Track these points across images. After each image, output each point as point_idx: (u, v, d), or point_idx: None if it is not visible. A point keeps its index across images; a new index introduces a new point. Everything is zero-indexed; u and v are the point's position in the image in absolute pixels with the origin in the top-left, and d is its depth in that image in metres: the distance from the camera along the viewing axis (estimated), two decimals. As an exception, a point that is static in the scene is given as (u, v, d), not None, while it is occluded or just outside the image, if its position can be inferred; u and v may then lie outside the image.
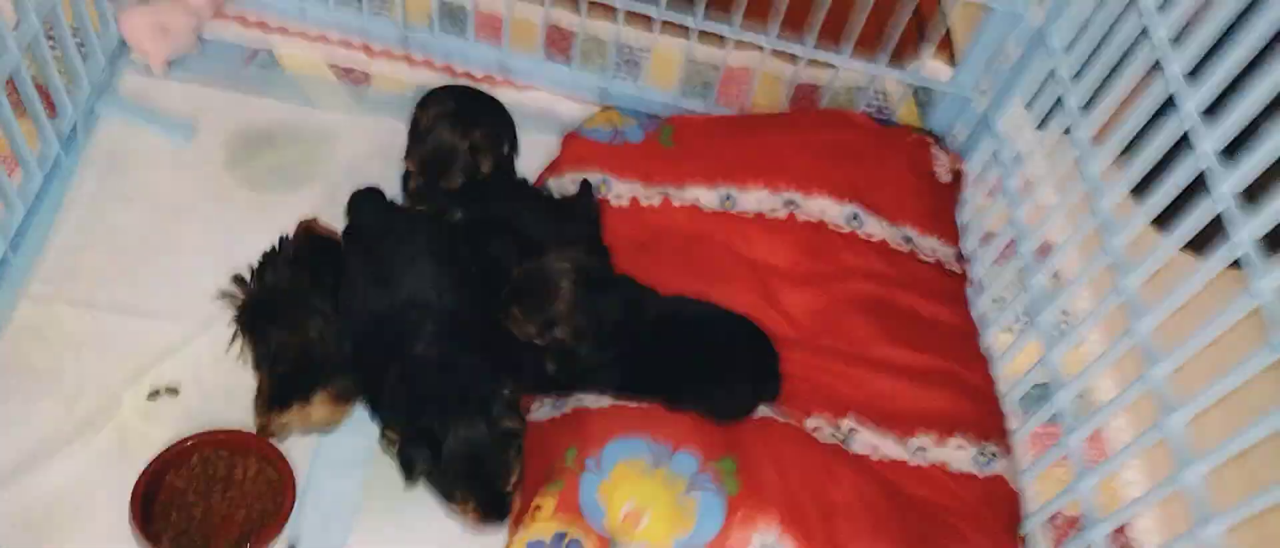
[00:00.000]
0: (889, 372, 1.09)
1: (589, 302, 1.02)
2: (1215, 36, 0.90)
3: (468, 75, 1.42)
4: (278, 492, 0.96)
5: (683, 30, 1.34)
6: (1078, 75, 1.10)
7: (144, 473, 0.94)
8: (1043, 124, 1.21)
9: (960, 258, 1.25)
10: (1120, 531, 1.06)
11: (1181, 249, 0.91)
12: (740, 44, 1.38)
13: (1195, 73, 0.91)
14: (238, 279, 1.02)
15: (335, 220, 1.13)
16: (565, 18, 1.45)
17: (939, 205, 1.28)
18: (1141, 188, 0.98)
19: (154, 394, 1.03)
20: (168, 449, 0.96)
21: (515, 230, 1.10)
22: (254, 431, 0.98)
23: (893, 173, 1.27)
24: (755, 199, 1.22)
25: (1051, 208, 1.13)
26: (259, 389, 0.98)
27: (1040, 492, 1.05)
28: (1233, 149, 0.86)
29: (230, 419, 1.00)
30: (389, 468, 0.95)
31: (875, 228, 1.21)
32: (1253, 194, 0.84)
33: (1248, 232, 0.82)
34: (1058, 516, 1.04)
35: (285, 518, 0.94)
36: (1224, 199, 0.85)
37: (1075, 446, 0.99)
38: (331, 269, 1.04)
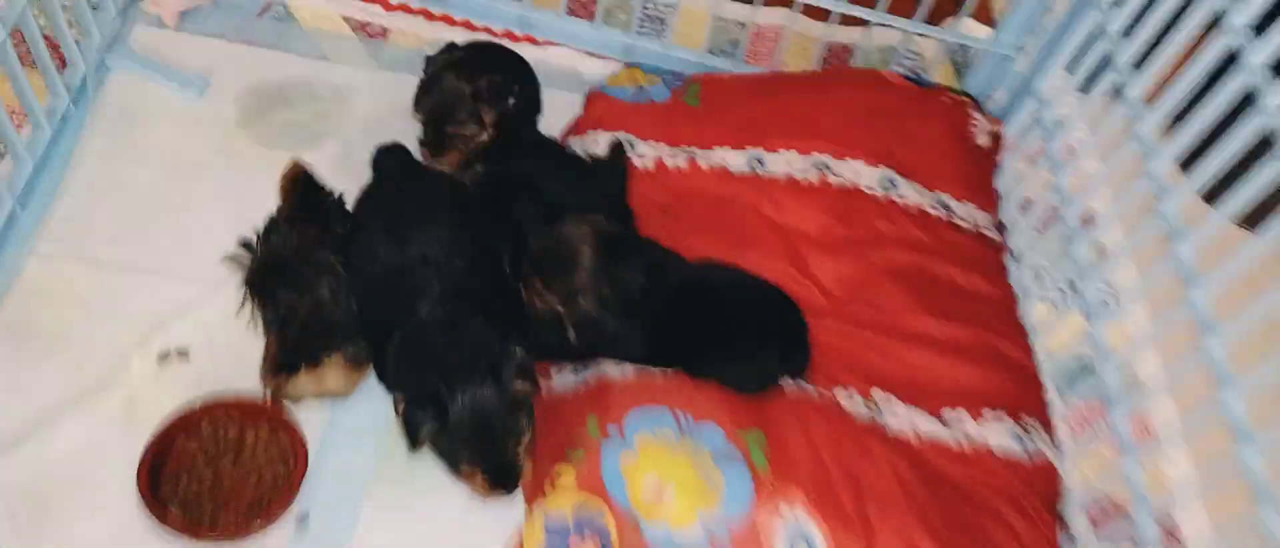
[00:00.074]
0: (924, 344, 1.04)
1: (611, 269, 0.98)
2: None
3: (487, 31, 1.38)
4: (289, 460, 0.93)
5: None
6: (1129, 31, 1.04)
7: (152, 439, 0.91)
8: (1088, 86, 1.15)
9: (999, 226, 1.20)
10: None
11: (1236, 224, 0.86)
12: (770, 0, 1.33)
13: (1261, 28, 0.85)
14: (244, 244, 0.98)
15: (350, 178, 1.09)
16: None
17: (977, 171, 1.22)
18: (1194, 158, 0.92)
19: (164, 357, 1.00)
20: (177, 415, 0.93)
21: (538, 190, 1.05)
22: (268, 397, 0.95)
23: (929, 136, 1.21)
24: (785, 162, 1.17)
25: (1097, 174, 1.08)
26: (267, 353, 0.95)
27: (1082, 473, 1.00)
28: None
29: (242, 384, 0.97)
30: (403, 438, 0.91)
31: (910, 193, 1.16)
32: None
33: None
34: (1101, 498, 1.00)
35: (296, 487, 0.91)
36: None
37: (1122, 425, 0.94)
38: (338, 219, 1.00)
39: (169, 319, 1.03)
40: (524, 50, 1.26)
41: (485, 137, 1.09)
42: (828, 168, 1.16)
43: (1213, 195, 0.89)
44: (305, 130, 1.23)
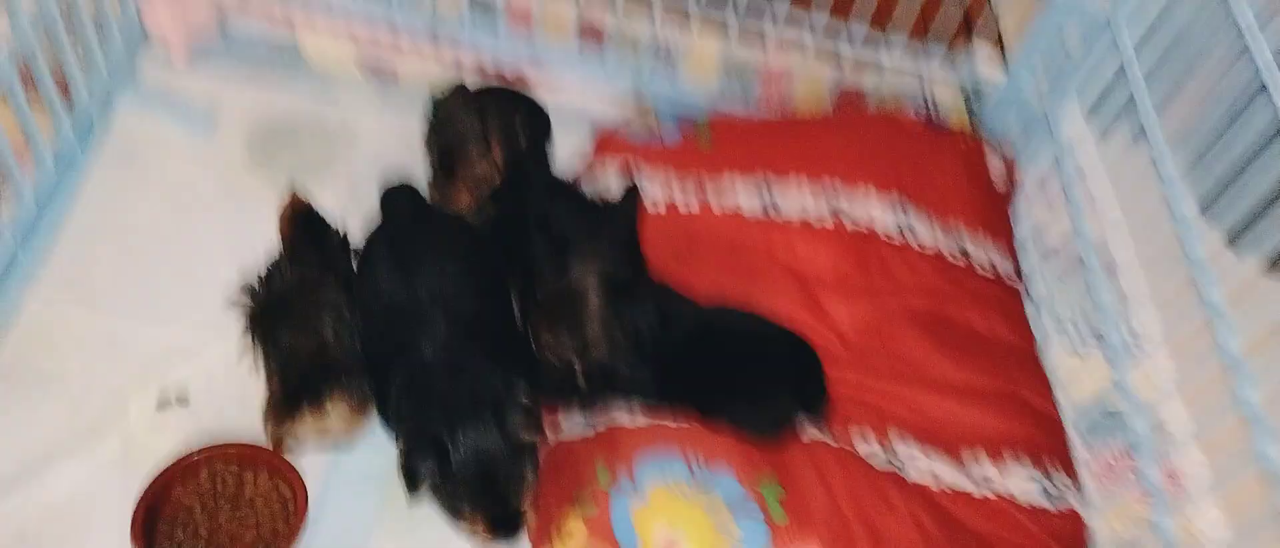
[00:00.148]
0: (942, 389, 1.02)
1: (621, 314, 0.96)
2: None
3: (497, 71, 1.36)
4: (289, 510, 0.90)
5: (721, 26, 1.28)
6: (1148, 68, 1.03)
7: (147, 488, 0.88)
8: (1107, 125, 1.13)
9: (1017, 269, 1.17)
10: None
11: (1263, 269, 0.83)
12: (782, 42, 1.32)
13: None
14: (247, 288, 0.96)
15: (358, 218, 1.07)
16: (599, 14, 1.39)
17: (995, 213, 1.20)
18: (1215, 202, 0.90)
19: (163, 402, 0.98)
20: (174, 462, 0.90)
21: (550, 230, 1.03)
22: (267, 443, 0.92)
23: (945, 177, 1.19)
24: (798, 203, 1.15)
25: (1117, 215, 1.06)
26: (270, 395, 0.92)
27: (1110, 525, 0.97)
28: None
29: (243, 431, 0.94)
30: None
31: (928, 237, 1.13)
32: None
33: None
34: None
35: (295, 537, 0.88)
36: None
37: (1152, 475, 0.91)
38: (342, 256, 0.98)
39: (169, 363, 1.01)
40: (533, 91, 1.26)
41: (496, 175, 1.07)
42: (842, 209, 1.14)
43: (1236, 238, 0.87)
44: (313, 169, 1.21)
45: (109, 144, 1.19)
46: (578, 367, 0.96)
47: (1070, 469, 0.99)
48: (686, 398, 0.95)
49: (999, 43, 1.42)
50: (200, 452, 0.91)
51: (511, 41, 1.36)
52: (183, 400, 0.98)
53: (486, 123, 1.07)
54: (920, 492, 0.93)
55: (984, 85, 1.34)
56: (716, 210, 1.15)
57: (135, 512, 0.86)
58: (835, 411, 0.98)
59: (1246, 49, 0.87)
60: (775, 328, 1.01)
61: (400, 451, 0.86)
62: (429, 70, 1.35)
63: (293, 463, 0.92)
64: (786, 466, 0.91)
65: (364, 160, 1.23)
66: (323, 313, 0.93)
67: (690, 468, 0.88)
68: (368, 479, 0.95)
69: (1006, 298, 1.13)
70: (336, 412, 0.94)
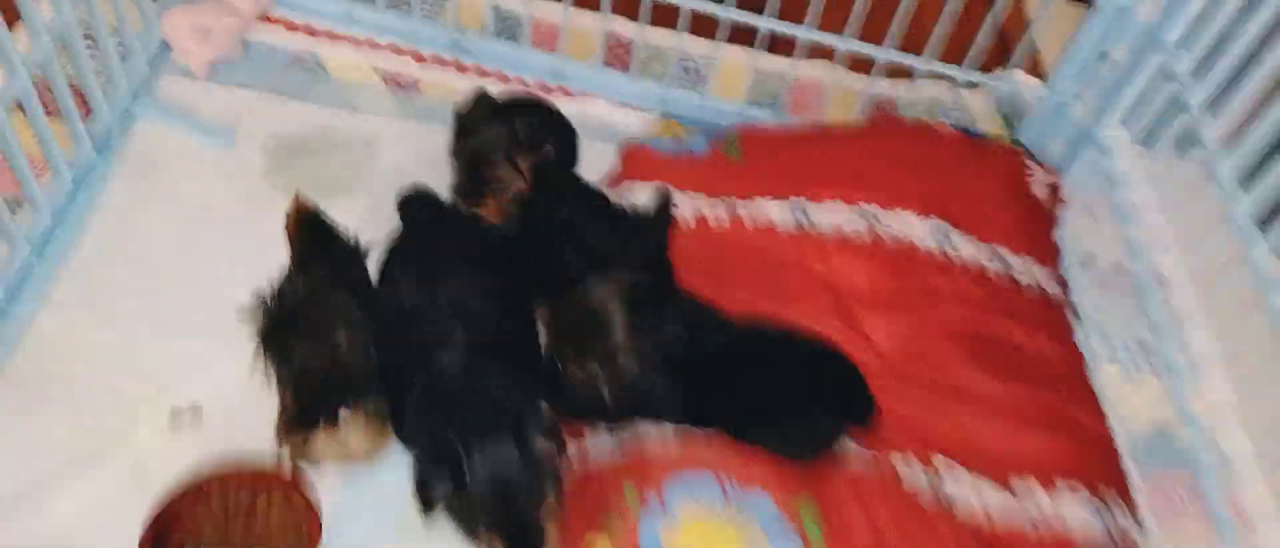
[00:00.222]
0: (987, 408, 0.97)
1: (648, 331, 0.92)
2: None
3: (520, 83, 1.34)
4: (303, 530, 0.86)
5: (749, 37, 1.25)
6: (1198, 72, 0.98)
7: (157, 508, 0.84)
8: (1153, 137, 1.09)
9: (1061, 283, 1.12)
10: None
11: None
12: (813, 52, 1.29)
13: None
14: (259, 301, 0.93)
15: (379, 229, 1.03)
16: (625, 28, 1.36)
17: (1035, 224, 1.16)
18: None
19: (176, 416, 0.95)
20: (185, 483, 0.86)
21: (579, 240, 1.00)
22: (284, 462, 0.89)
23: (983, 187, 1.15)
24: (831, 215, 1.11)
25: (1166, 226, 1.01)
26: (282, 410, 0.89)
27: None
28: None
29: (256, 446, 0.90)
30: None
31: (966, 248, 1.09)
32: None
33: None
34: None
35: (309, 558, 0.84)
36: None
37: (1220, 507, 0.85)
38: (355, 262, 0.95)
39: (183, 379, 0.98)
40: (558, 101, 1.23)
41: (522, 183, 1.04)
42: (877, 220, 1.10)
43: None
44: (333, 182, 1.19)
45: (128, 157, 1.17)
46: (604, 388, 0.92)
47: (1128, 498, 0.94)
48: (719, 418, 0.90)
49: (1037, 59, 1.38)
50: (212, 472, 0.88)
51: (536, 56, 1.34)
52: (196, 418, 0.95)
53: (515, 131, 1.04)
54: (971, 528, 0.88)
55: (1022, 100, 1.30)
56: (748, 224, 1.11)
57: (144, 535, 0.82)
58: (875, 433, 0.94)
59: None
60: (811, 342, 0.96)
61: (414, 467, 0.82)
62: (452, 84, 1.32)
63: (307, 484, 0.88)
64: (825, 489, 0.86)
65: (385, 174, 1.20)
66: (335, 324, 0.89)
67: (724, 490, 0.84)
68: (384, 501, 0.91)
69: (1053, 317, 1.08)
70: (356, 430, 0.91)
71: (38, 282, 1.04)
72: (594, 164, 1.20)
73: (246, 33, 1.31)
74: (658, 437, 0.91)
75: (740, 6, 1.24)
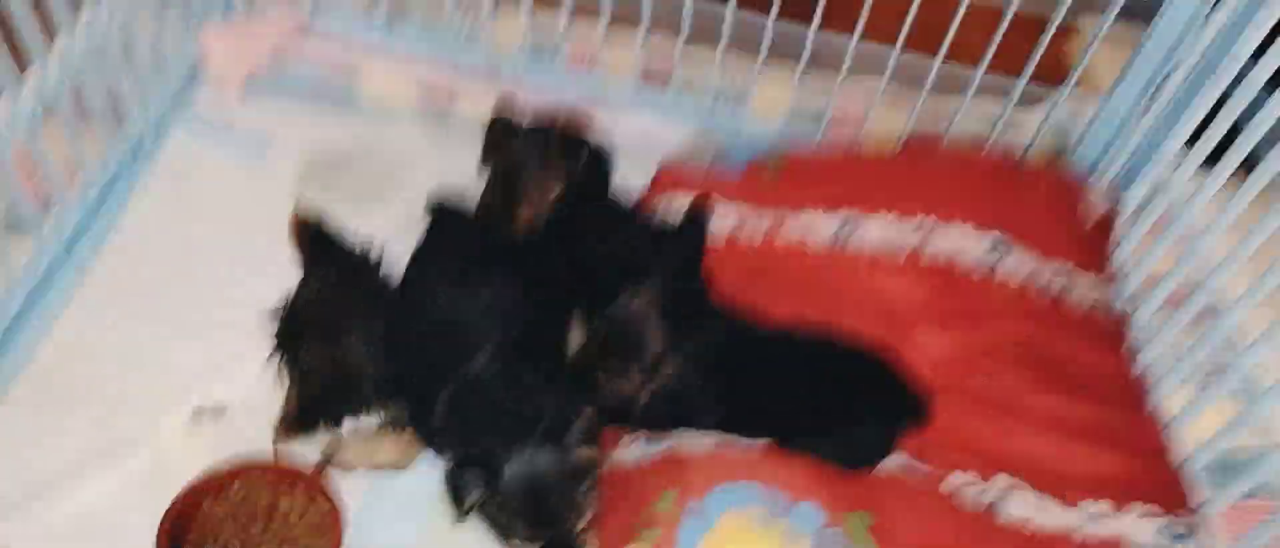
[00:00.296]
0: (1050, 425, 0.91)
1: (684, 340, 0.88)
2: None
3: (556, 103, 1.32)
4: (324, 532, 0.82)
5: (789, 67, 1.24)
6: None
7: (176, 500, 0.81)
8: (1211, 153, 1.05)
9: (1121, 302, 1.07)
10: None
11: None
12: (856, 72, 1.26)
13: None
14: (277, 306, 0.92)
15: (411, 246, 1.01)
16: (663, 46, 1.35)
17: (1095, 243, 1.11)
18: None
19: (198, 414, 0.92)
20: (205, 477, 0.84)
21: (611, 251, 0.97)
22: (318, 459, 0.86)
23: (1038, 205, 1.11)
24: (880, 230, 1.07)
25: (1233, 245, 0.97)
26: (284, 411, 0.87)
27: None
28: None
29: (279, 450, 0.88)
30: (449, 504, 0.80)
31: (1023, 265, 1.04)
32: None
33: None
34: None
35: (331, 561, 0.80)
36: None
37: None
38: (366, 266, 0.93)
39: (207, 380, 0.95)
40: (594, 120, 1.21)
41: (556, 192, 1.01)
42: (926, 242, 1.06)
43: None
44: (364, 198, 1.17)
45: (160, 166, 1.16)
46: (640, 398, 0.88)
47: (1191, 515, 0.88)
48: (766, 426, 0.86)
49: (1089, 78, 1.35)
50: (233, 467, 0.85)
51: (571, 79, 1.32)
52: (217, 415, 0.92)
53: (547, 143, 1.02)
54: (1020, 533, 0.83)
55: (1077, 120, 1.27)
56: (790, 238, 1.08)
57: (161, 524, 0.79)
58: (930, 444, 0.88)
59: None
60: (855, 344, 0.92)
61: (447, 467, 0.78)
62: (487, 105, 1.31)
63: (331, 484, 0.84)
64: (878, 504, 0.81)
65: (418, 185, 1.17)
66: (344, 329, 0.87)
67: (770, 501, 0.79)
68: (409, 501, 0.87)
69: (1111, 333, 1.03)
70: (388, 440, 0.88)
71: (66, 281, 1.02)
72: (630, 183, 1.18)
73: (283, 50, 1.30)
74: (699, 446, 0.86)
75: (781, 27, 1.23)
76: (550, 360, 0.90)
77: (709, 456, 0.85)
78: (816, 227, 1.10)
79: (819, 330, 0.93)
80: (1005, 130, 1.29)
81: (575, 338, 0.93)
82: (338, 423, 0.86)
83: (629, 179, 1.18)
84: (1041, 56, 1.17)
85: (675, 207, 1.11)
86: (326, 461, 0.87)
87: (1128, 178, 1.17)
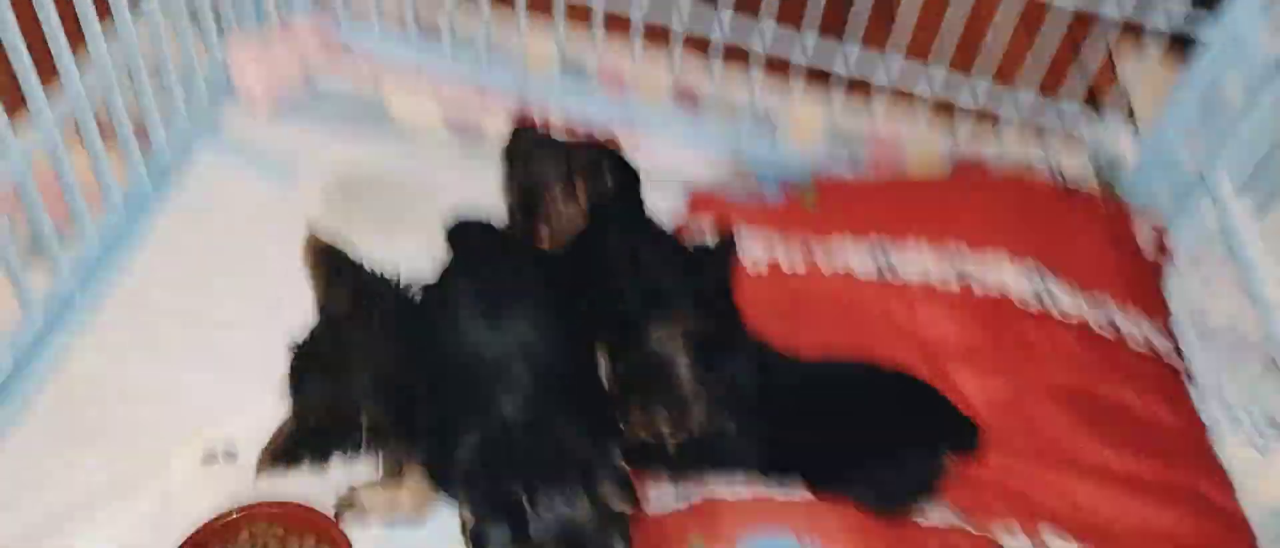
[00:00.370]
0: (1099, 477, 0.86)
1: (714, 375, 0.84)
2: None
3: (586, 127, 1.29)
4: (337, 575, 0.79)
5: (825, 91, 1.20)
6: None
7: (184, 541, 0.79)
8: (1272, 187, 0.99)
9: (1174, 342, 1.02)
10: None
11: None
12: (894, 98, 1.22)
13: None
14: (293, 340, 0.90)
15: (437, 270, 0.99)
16: (694, 70, 1.32)
17: (1146, 284, 1.05)
18: None
19: (209, 457, 0.89)
20: (214, 519, 0.81)
21: (638, 278, 0.93)
22: (333, 506, 0.84)
23: (1086, 242, 1.05)
24: (919, 265, 1.02)
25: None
26: (271, 440, 0.84)
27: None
28: None
29: (291, 491, 0.85)
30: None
31: (1066, 299, 0.99)
32: None
33: None
34: None
35: (341, 610, 0.77)
36: None
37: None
38: (379, 298, 0.90)
39: (219, 416, 0.93)
40: (624, 145, 1.18)
41: (580, 218, 0.98)
42: (969, 275, 1.01)
43: None
44: (390, 222, 1.15)
45: (184, 189, 1.15)
46: (670, 439, 0.85)
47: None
48: (798, 466, 0.81)
49: (1130, 109, 1.30)
50: (241, 510, 0.82)
51: (602, 101, 1.29)
52: (230, 457, 0.90)
53: (571, 160, 0.98)
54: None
55: (1120, 150, 1.21)
56: (825, 271, 1.03)
57: (168, 568, 0.77)
58: (970, 494, 0.84)
59: None
60: (892, 375, 0.87)
61: (468, 516, 0.74)
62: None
63: (341, 530, 0.81)
64: (916, 545, 0.76)
65: (444, 209, 1.14)
66: (346, 365, 0.85)
67: (799, 545, 0.75)
68: (424, 548, 0.84)
69: (1167, 378, 0.97)
70: (408, 486, 0.85)
71: (81, 313, 1.01)
72: (661, 210, 1.14)
73: (311, 70, 1.29)
74: (728, 489, 0.82)
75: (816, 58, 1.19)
76: (585, 394, 0.86)
77: (740, 501, 0.81)
78: (858, 256, 1.05)
79: (850, 360, 0.89)
80: (1051, 155, 1.24)
81: (602, 373, 0.89)
82: (325, 462, 0.84)
83: (659, 203, 1.14)
84: (1088, 80, 1.12)
85: (707, 231, 1.08)
86: (344, 508, 0.84)
87: (1175, 210, 1.11)
